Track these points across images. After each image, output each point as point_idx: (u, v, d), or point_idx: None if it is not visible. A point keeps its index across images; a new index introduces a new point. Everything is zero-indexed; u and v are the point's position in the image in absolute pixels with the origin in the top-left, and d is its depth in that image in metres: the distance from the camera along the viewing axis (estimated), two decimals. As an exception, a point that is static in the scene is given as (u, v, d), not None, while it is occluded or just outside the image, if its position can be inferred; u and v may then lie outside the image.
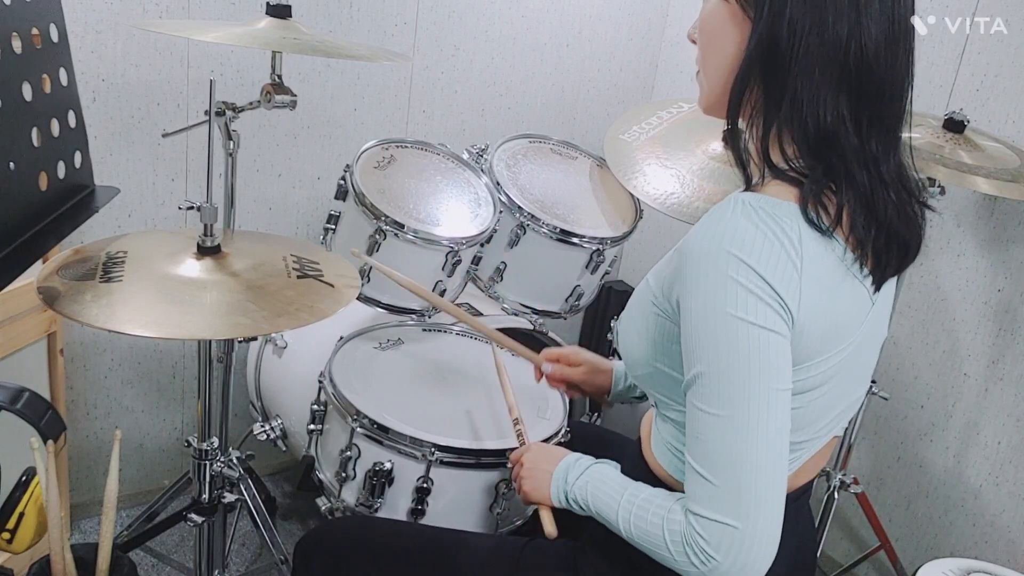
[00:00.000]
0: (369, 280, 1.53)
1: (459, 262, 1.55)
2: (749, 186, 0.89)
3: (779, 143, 0.84)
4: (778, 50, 0.81)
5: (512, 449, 1.28)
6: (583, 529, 1.04)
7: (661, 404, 0.96)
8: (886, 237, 0.83)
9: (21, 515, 0.92)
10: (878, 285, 0.86)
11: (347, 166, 1.55)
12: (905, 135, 0.88)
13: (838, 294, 0.82)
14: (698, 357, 0.80)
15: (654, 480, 0.95)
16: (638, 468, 0.99)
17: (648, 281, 0.93)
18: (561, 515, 1.03)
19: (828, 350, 0.83)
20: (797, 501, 0.98)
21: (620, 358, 1.68)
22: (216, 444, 1.41)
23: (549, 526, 1.04)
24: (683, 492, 0.86)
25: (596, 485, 0.96)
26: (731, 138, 0.89)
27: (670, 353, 0.89)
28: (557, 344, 1.80)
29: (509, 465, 1.29)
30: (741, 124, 0.88)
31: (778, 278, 0.77)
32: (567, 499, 0.99)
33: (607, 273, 1.75)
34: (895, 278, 0.94)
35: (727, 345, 0.77)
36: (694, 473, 0.81)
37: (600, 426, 1.86)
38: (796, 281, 0.78)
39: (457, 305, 1.80)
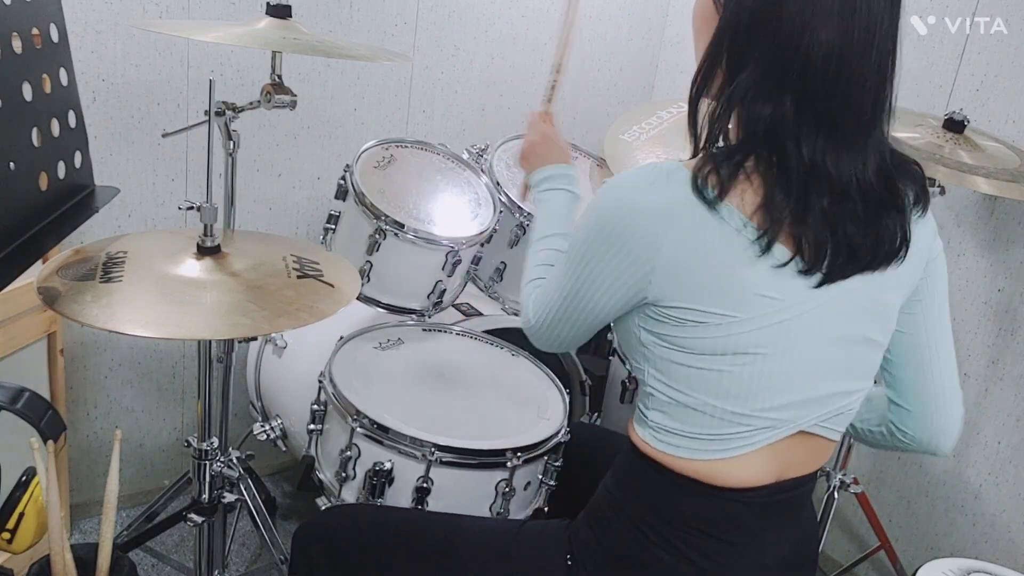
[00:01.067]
0: (369, 280, 1.53)
1: (459, 262, 1.55)
2: None
3: (726, 132, 0.90)
4: (735, 45, 0.87)
5: (513, 450, 1.29)
6: (579, 510, 1.05)
7: (635, 369, 1.00)
8: (817, 234, 0.85)
9: (21, 515, 0.92)
10: (813, 276, 0.87)
11: (347, 166, 1.55)
12: (904, 135, 0.89)
13: (730, 256, 0.85)
14: (572, 237, 0.98)
15: (640, 457, 0.97)
16: (628, 454, 1.00)
17: None
18: (559, 497, 1.05)
19: (718, 306, 0.86)
20: (789, 494, 0.97)
21: (621, 359, 1.68)
22: (216, 444, 1.41)
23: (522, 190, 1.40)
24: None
25: (547, 208, 1.22)
26: (690, 122, 0.94)
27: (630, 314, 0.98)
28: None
29: (513, 469, 1.30)
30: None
31: (644, 217, 0.87)
32: (535, 191, 1.26)
33: (607, 273, 1.75)
34: (894, 288, 0.95)
35: (582, 252, 0.94)
36: (549, 276, 1.04)
37: (600, 426, 1.86)
38: (664, 225, 0.86)
39: (456, 305, 1.81)
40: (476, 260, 1.64)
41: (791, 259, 0.85)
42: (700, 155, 0.89)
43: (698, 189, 0.85)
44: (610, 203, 0.91)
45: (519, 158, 1.34)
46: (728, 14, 0.88)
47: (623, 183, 0.90)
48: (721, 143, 0.90)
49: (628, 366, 1.06)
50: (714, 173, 0.85)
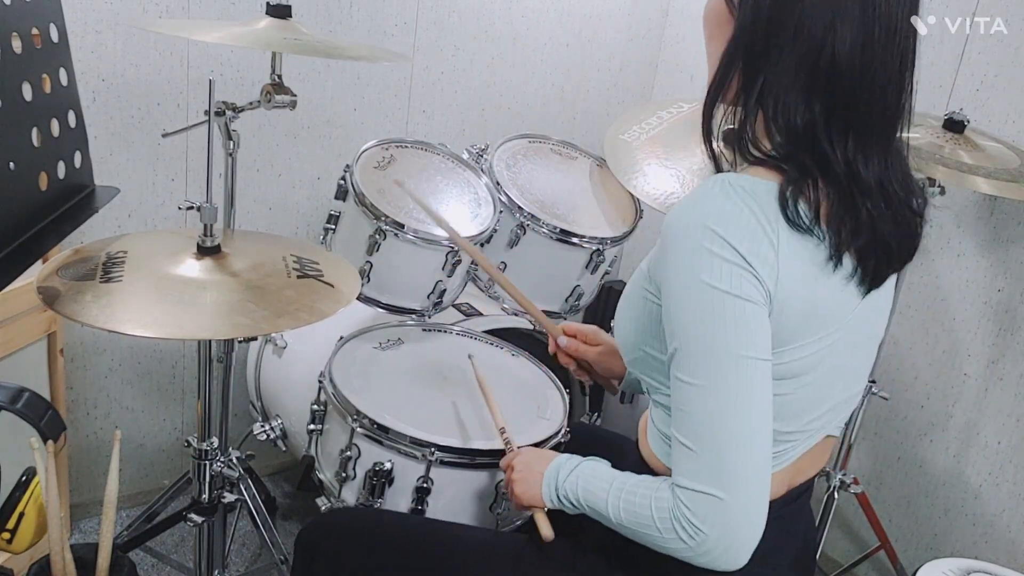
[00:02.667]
0: (369, 280, 1.53)
1: (459, 262, 1.55)
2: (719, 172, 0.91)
3: (754, 137, 0.86)
4: (753, 50, 0.83)
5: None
6: (584, 530, 1.04)
7: (651, 389, 0.97)
8: (867, 240, 0.84)
9: (21, 515, 0.92)
10: (865, 284, 0.86)
11: (347, 166, 1.55)
12: (905, 135, 0.88)
13: (818, 278, 0.83)
14: (677, 329, 0.81)
15: (652, 473, 0.95)
16: (636, 464, 1.00)
17: (641, 267, 0.95)
18: (562, 516, 1.03)
19: (808, 335, 0.84)
20: (797, 500, 0.98)
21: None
22: (216, 444, 1.40)
23: (546, 529, 1.03)
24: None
25: (586, 479, 0.96)
26: (704, 128, 0.90)
27: (657, 335, 0.90)
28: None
29: (500, 478, 1.29)
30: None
31: (753, 253, 0.78)
32: (559, 498, 0.99)
33: (607, 273, 1.75)
34: (893, 280, 0.95)
35: (703, 314, 0.79)
36: (679, 445, 0.82)
37: (600, 427, 1.86)
38: (773, 258, 0.79)
39: (456, 305, 1.81)
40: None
41: (855, 269, 0.84)
42: (750, 166, 0.85)
43: (790, 218, 0.80)
44: (699, 224, 0.79)
45: (518, 505, 1.07)
46: (743, 16, 0.84)
47: (704, 202, 0.80)
48: (758, 153, 0.86)
49: (646, 391, 1.00)
50: (792, 196, 0.80)
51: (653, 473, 0.96)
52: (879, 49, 0.82)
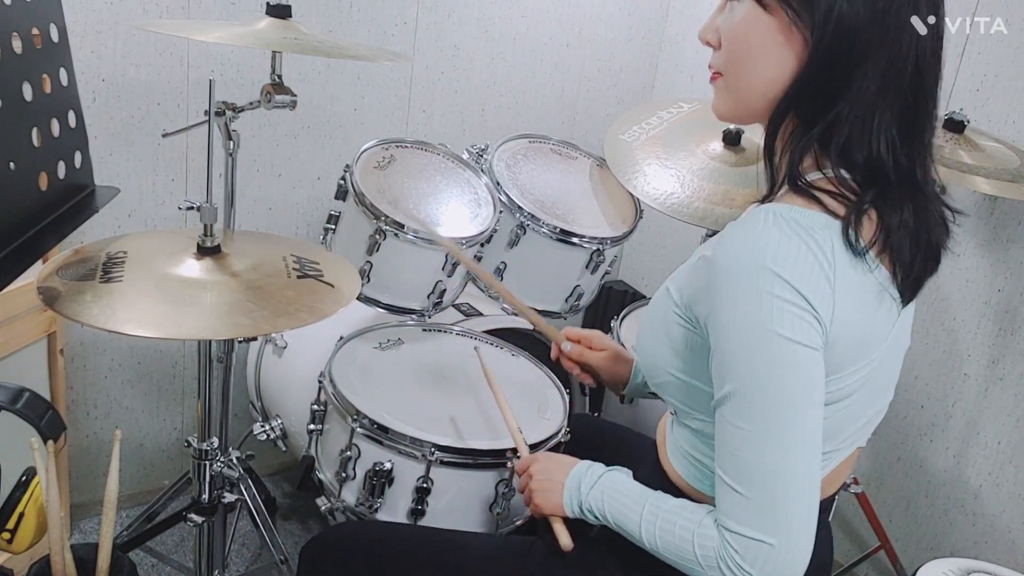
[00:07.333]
0: (369, 280, 1.53)
1: (459, 262, 1.55)
2: (770, 194, 0.87)
3: (814, 156, 0.82)
4: (839, 71, 0.77)
5: (513, 450, 1.29)
6: (593, 529, 1.03)
7: (680, 412, 0.94)
8: (923, 257, 0.82)
9: (21, 515, 0.92)
10: (909, 297, 0.84)
11: (347, 166, 1.55)
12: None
13: (870, 305, 0.80)
14: (733, 373, 0.78)
15: (673, 489, 0.94)
16: (655, 476, 0.98)
17: (668, 289, 0.91)
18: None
19: (858, 361, 0.82)
20: (823, 514, 0.97)
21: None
22: (216, 444, 1.41)
23: (565, 538, 1.01)
24: (702, 502, 0.86)
25: (612, 495, 0.94)
26: (768, 158, 0.86)
27: (693, 363, 0.87)
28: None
29: (512, 469, 1.28)
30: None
31: (812, 290, 0.75)
32: (581, 509, 0.98)
33: (607, 273, 1.75)
34: None
35: (765, 361, 0.76)
36: (727, 488, 0.80)
37: (600, 418, 1.86)
38: (829, 293, 0.76)
39: (456, 305, 1.81)
40: (476, 260, 1.64)
41: (901, 285, 0.82)
42: (797, 193, 0.81)
43: (849, 240, 0.77)
44: (762, 269, 0.75)
45: (536, 514, 1.06)
46: (835, 34, 0.77)
47: (770, 248, 0.76)
48: (811, 169, 0.82)
49: (672, 413, 0.99)
50: (854, 222, 0.77)
51: (672, 485, 0.95)
52: (941, 44, 0.78)
